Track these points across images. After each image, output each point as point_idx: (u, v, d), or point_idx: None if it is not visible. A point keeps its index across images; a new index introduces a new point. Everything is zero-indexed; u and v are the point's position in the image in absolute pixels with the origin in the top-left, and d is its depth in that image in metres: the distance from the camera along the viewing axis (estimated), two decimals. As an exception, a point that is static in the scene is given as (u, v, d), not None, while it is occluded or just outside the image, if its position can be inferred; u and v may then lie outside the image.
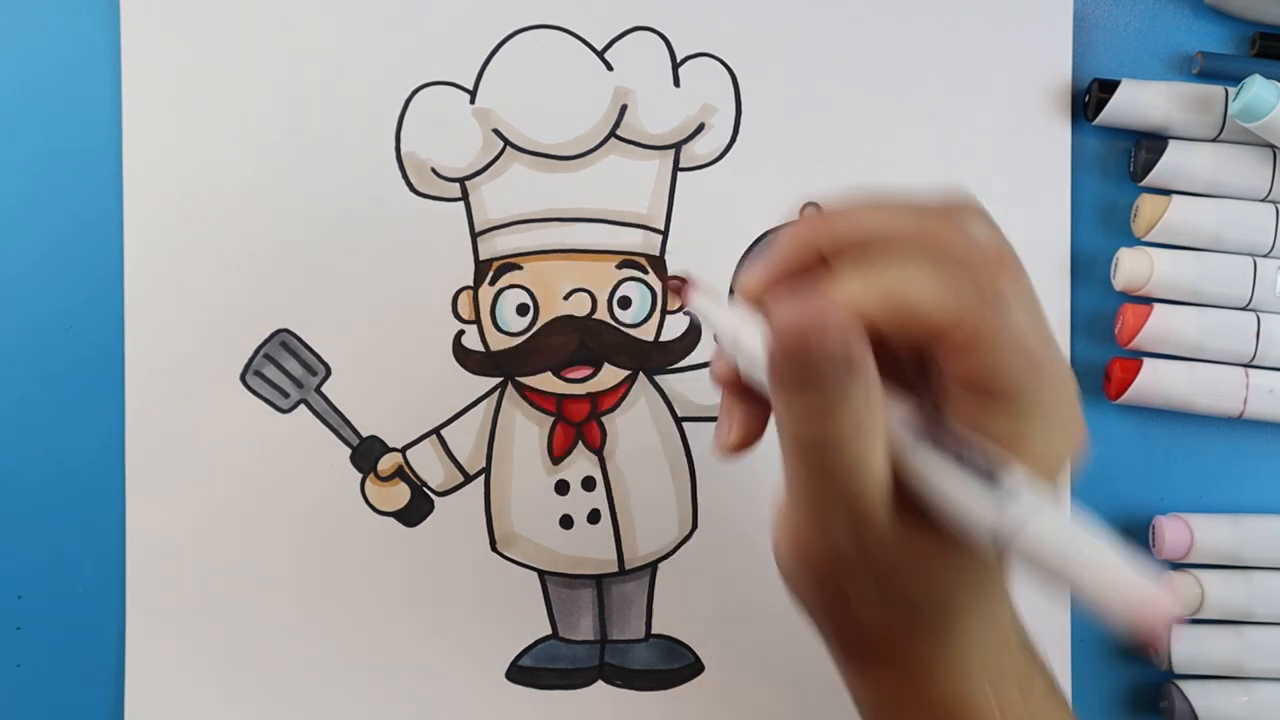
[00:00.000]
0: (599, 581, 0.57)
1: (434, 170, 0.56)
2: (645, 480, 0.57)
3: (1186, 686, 0.56)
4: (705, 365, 0.56)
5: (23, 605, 0.56)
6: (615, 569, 0.57)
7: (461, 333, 0.56)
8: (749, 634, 0.57)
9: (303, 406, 0.56)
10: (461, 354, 0.56)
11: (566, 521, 0.57)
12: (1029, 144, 0.57)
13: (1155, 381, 0.55)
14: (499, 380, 0.56)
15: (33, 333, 0.56)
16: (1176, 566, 0.56)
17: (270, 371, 0.56)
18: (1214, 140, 0.55)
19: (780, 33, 0.56)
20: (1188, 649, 0.56)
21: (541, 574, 0.57)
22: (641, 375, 0.57)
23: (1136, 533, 0.57)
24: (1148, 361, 0.55)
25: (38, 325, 0.56)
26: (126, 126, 0.55)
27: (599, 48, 0.56)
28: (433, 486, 0.56)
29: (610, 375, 0.57)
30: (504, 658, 0.57)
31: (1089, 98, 0.56)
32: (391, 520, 0.56)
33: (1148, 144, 0.55)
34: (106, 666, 0.56)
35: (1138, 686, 0.58)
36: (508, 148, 0.56)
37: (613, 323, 0.56)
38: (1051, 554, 0.29)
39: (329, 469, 0.56)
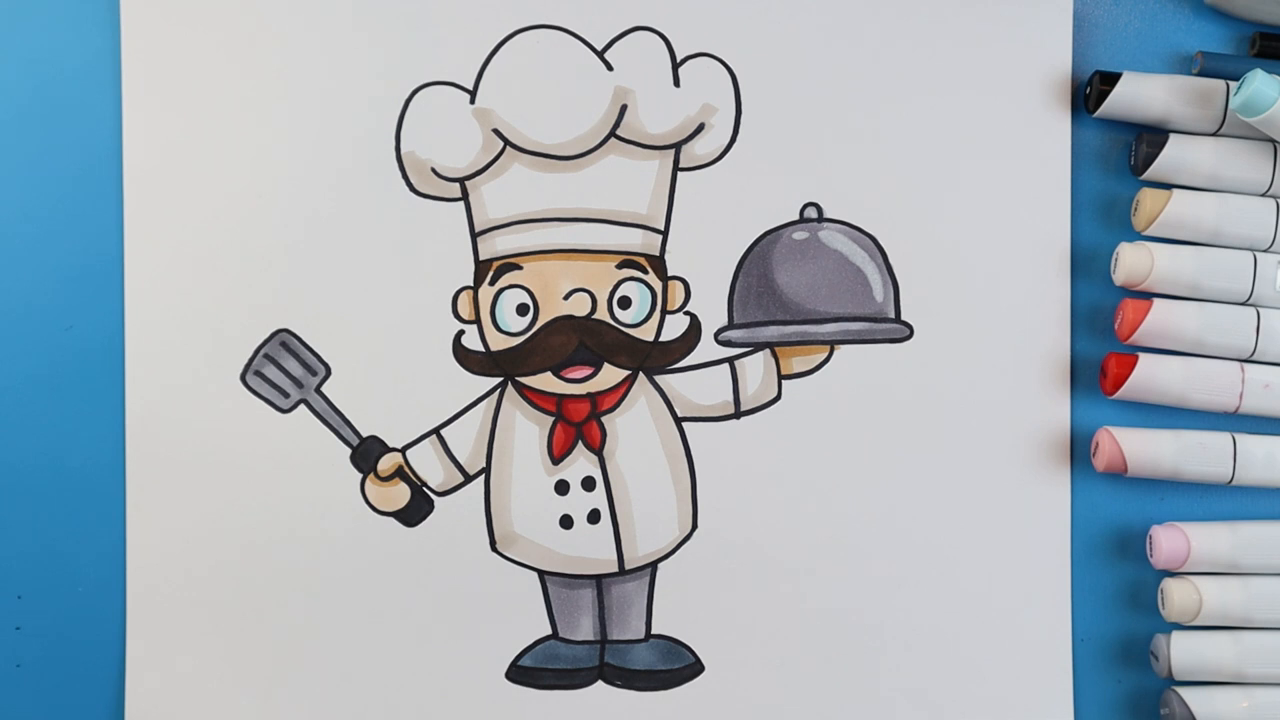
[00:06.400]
0: (599, 581, 0.57)
1: (434, 170, 0.56)
2: (645, 480, 0.57)
3: (1186, 693, 0.55)
4: (705, 365, 0.56)
5: (23, 605, 0.56)
6: (615, 569, 0.57)
7: (461, 333, 0.56)
8: (749, 634, 0.57)
9: (303, 406, 0.56)
10: (461, 354, 0.56)
11: (566, 521, 0.56)
12: (1029, 137, 0.56)
13: (1151, 376, 0.55)
14: (499, 380, 0.56)
15: (33, 333, 0.56)
16: (1174, 575, 0.56)
17: (270, 371, 0.56)
18: (1215, 134, 0.55)
19: (780, 32, 0.56)
20: (1187, 655, 0.55)
21: (541, 574, 0.57)
22: (641, 375, 0.57)
23: (1134, 541, 0.57)
24: (1143, 356, 0.55)
25: (38, 325, 0.56)
26: (126, 127, 0.56)
27: (599, 48, 0.56)
28: (433, 486, 0.56)
29: (610, 375, 0.56)
30: (504, 658, 0.57)
31: (1090, 90, 0.56)
32: (391, 520, 0.56)
33: (1148, 137, 0.55)
34: (106, 666, 0.56)
35: (1138, 692, 0.58)
36: (508, 148, 0.56)
37: (613, 323, 0.56)
38: None
39: (329, 469, 0.56)
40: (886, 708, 0.57)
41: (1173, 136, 0.55)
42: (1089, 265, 0.57)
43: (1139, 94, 0.55)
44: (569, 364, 0.56)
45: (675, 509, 0.57)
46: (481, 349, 0.56)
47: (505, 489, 0.56)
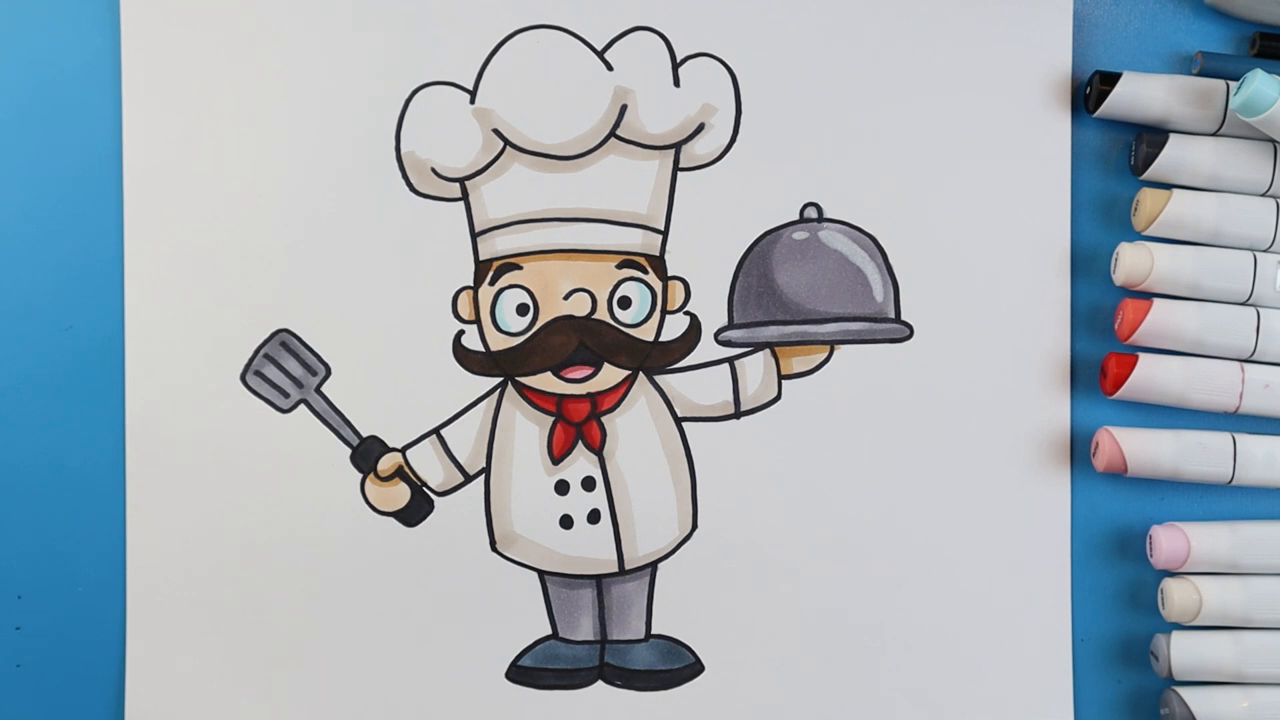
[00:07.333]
0: (599, 581, 0.57)
1: (434, 170, 0.56)
2: (645, 480, 0.57)
3: (1186, 693, 0.55)
4: (705, 365, 0.56)
5: (23, 605, 0.56)
6: (615, 569, 0.57)
7: (461, 333, 0.56)
8: (749, 634, 0.57)
9: (303, 406, 0.56)
10: (461, 354, 0.56)
11: (566, 521, 0.56)
12: (1029, 137, 0.56)
13: (1151, 376, 0.55)
14: (499, 380, 0.56)
15: (33, 333, 0.56)
16: (1174, 575, 0.56)
17: (270, 371, 0.56)
18: (1215, 134, 0.55)
19: (780, 32, 0.56)
20: (1187, 655, 0.55)
21: (541, 574, 0.57)
22: (641, 375, 0.57)
23: (1134, 541, 0.57)
24: (1143, 356, 0.55)
25: (38, 325, 0.56)
26: (126, 127, 0.56)
27: (599, 48, 0.56)
28: (433, 486, 0.56)
29: (610, 375, 0.56)
30: (504, 658, 0.57)
31: (1090, 90, 0.56)
32: (391, 520, 0.56)
33: (1148, 137, 0.55)
34: (106, 666, 0.56)
35: (1138, 692, 0.58)
36: (508, 148, 0.56)
37: (613, 323, 0.56)
38: None
39: (329, 469, 0.56)
40: (886, 708, 0.57)
41: (1173, 136, 0.55)
42: (1089, 265, 0.57)
43: (1139, 94, 0.55)
44: (569, 364, 0.56)
45: (675, 509, 0.57)
46: (481, 349, 0.56)
47: (505, 489, 0.56)
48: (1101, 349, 0.57)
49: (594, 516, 0.56)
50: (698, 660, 0.57)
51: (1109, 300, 0.57)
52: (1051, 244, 0.57)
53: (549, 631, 0.57)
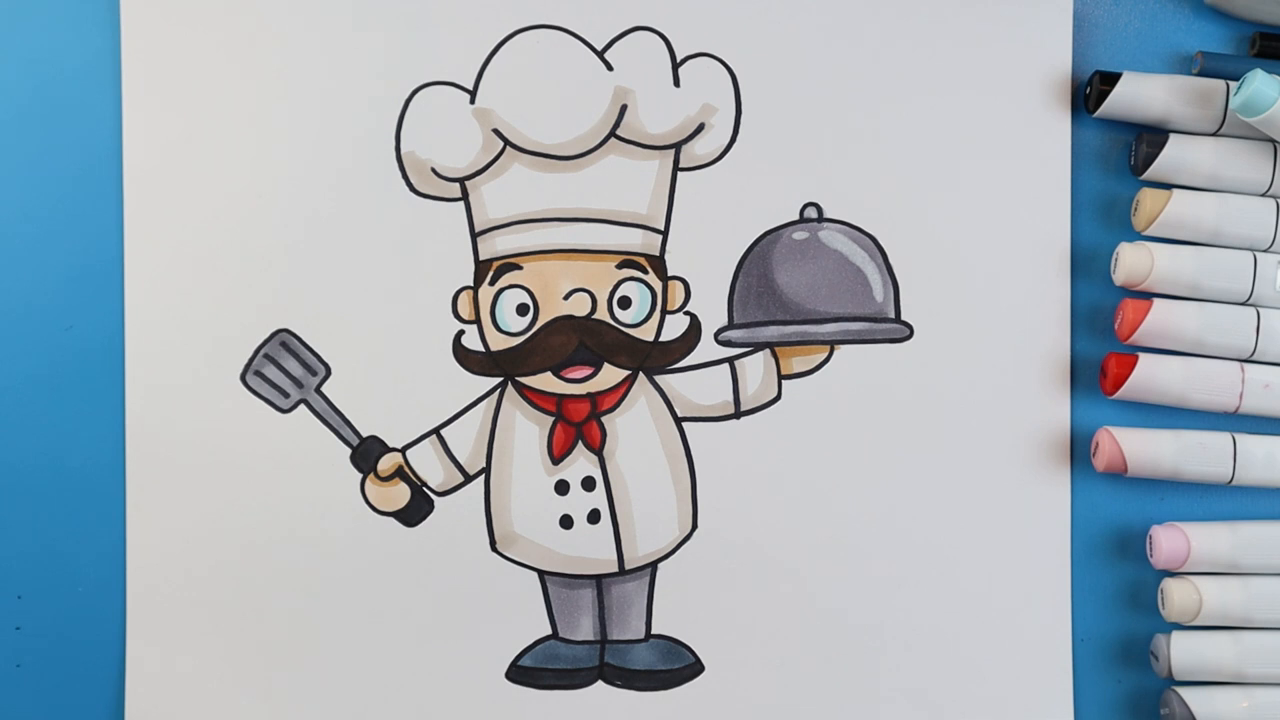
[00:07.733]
0: (599, 581, 0.57)
1: (434, 170, 0.56)
2: (645, 480, 0.57)
3: (1186, 693, 0.55)
4: (705, 365, 0.56)
5: (23, 605, 0.56)
6: (615, 569, 0.57)
7: (461, 333, 0.56)
8: (749, 634, 0.57)
9: (303, 406, 0.56)
10: (461, 354, 0.56)
11: (566, 521, 0.56)
12: (1029, 137, 0.56)
13: (1151, 376, 0.55)
14: (499, 380, 0.56)
15: (33, 333, 0.56)
16: (1174, 575, 0.56)
17: (270, 371, 0.56)
18: (1215, 134, 0.55)
19: (780, 32, 0.56)
20: (1187, 655, 0.55)
21: (541, 574, 0.57)
22: (641, 375, 0.57)
23: (1134, 541, 0.57)
24: (1143, 356, 0.55)
25: (38, 325, 0.56)
26: (126, 127, 0.56)
27: (599, 48, 0.56)
28: (433, 486, 0.56)
29: (610, 375, 0.56)
30: (504, 658, 0.57)
31: (1090, 90, 0.56)
32: (391, 520, 0.56)
33: (1148, 137, 0.55)
34: (106, 666, 0.56)
35: (1138, 692, 0.58)
36: (508, 148, 0.56)
37: (613, 323, 0.56)
38: None
39: (329, 469, 0.56)
40: (886, 708, 0.57)
41: (1173, 136, 0.55)
42: (1089, 265, 0.57)
43: (1139, 94, 0.55)
44: (569, 364, 0.56)
45: (675, 509, 0.57)
46: (481, 349, 0.56)
47: (505, 489, 0.56)
48: (1101, 349, 0.57)
49: (594, 516, 0.56)
50: (698, 660, 0.57)
51: (1109, 300, 0.57)
52: (1051, 244, 0.57)
53: (549, 631, 0.57)
